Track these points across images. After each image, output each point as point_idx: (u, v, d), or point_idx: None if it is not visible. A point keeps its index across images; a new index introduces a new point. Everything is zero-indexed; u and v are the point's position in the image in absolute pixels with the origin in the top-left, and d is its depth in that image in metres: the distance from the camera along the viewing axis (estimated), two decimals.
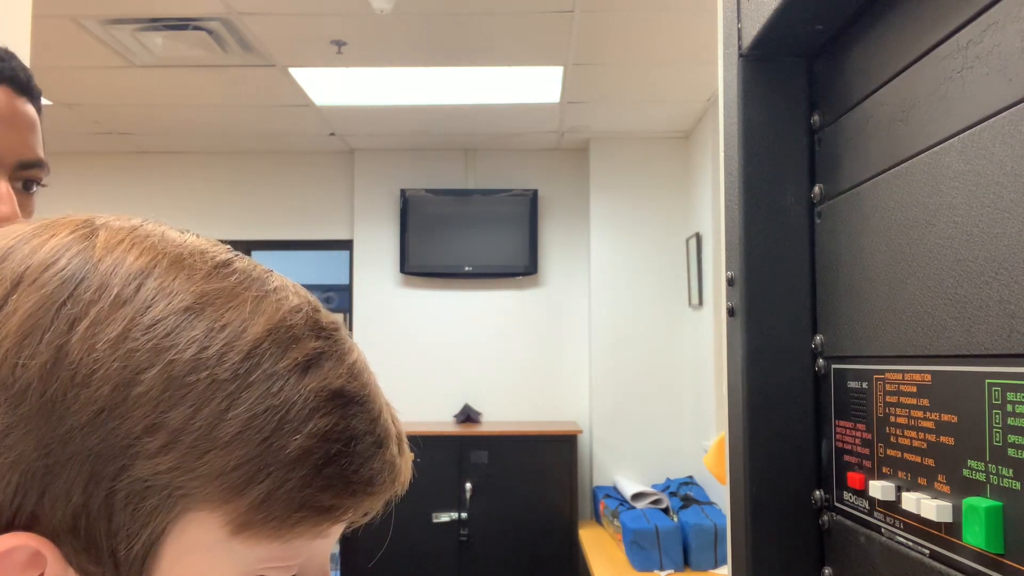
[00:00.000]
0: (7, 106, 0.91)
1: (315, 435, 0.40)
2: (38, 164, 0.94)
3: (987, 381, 0.55)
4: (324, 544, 0.43)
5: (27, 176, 0.93)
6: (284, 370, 0.40)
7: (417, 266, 5.16)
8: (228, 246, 0.45)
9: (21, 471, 0.37)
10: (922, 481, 0.63)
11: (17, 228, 0.42)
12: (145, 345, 0.38)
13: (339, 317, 0.50)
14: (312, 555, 0.43)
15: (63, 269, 0.39)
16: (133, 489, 0.38)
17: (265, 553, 0.40)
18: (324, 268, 6.59)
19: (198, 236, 0.45)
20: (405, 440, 0.47)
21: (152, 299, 0.39)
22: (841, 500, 0.77)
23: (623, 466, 4.91)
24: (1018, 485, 0.51)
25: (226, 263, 0.43)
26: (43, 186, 0.96)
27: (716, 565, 3.76)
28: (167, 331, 0.39)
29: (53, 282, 0.39)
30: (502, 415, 5.16)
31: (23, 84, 0.93)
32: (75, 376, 0.37)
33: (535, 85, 4.11)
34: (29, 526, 0.37)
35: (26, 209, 0.93)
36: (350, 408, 0.42)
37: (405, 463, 0.46)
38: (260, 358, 0.40)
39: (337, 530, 0.43)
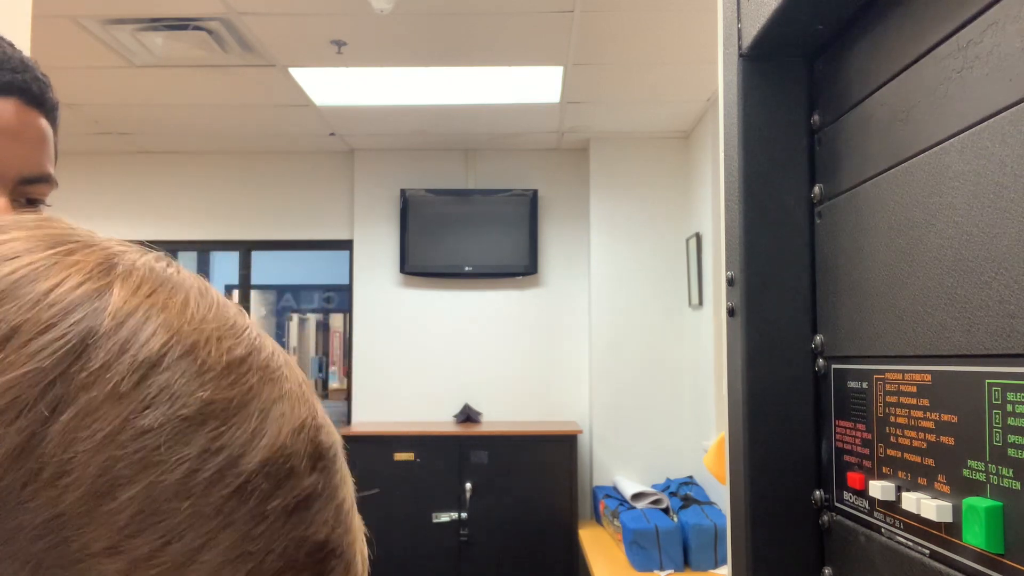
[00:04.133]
0: (14, 119, 0.88)
1: None
2: (43, 180, 0.91)
3: (987, 381, 0.55)
4: None
5: (31, 192, 0.90)
6: (271, 511, 0.35)
7: (417, 266, 5.16)
8: (250, 322, 0.39)
9: None
10: (922, 481, 0.63)
11: (18, 251, 0.36)
12: (132, 455, 0.33)
13: (339, 438, 0.48)
14: None
15: (62, 338, 0.33)
16: None
17: None
18: (324, 268, 6.60)
19: (223, 301, 0.39)
20: (364, 561, 0.42)
21: (152, 399, 0.34)
22: (841, 500, 0.77)
23: (623, 466, 4.91)
24: (1018, 485, 0.51)
25: (243, 360, 0.37)
26: (47, 205, 0.92)
27: (716, 565, 3.76)
28: (158, 443, 0.33)
29: (47, 351, 0.33)
30: (502, 415, 5.16)
31: (35, 96, 0.91)
32: (41, 472, 0.32)
33: (535, 85, 4.12)
34: None
35: None
36: (327, 564, 0.38)
37: None
38: (250, 495, 0.35)
39: None
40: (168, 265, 0.39)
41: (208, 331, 0.37)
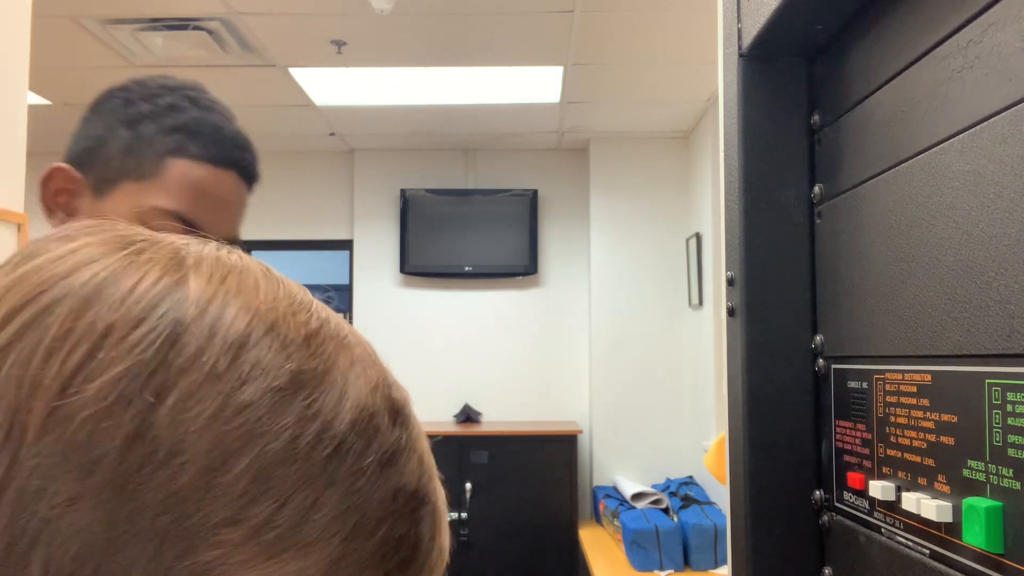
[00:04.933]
0: (231, 190, 1.02)
1: (388, 540, 0.39)
2: (236, 242, 1.02)
3: (987, 381, 0.55)
4: None
5: None
6: (367, 466, 0.38)
7: (417, 266, 5.16)
8: (310, 297, 0.42)
9: (82, 540, 0.34)
10: (922, 481, 0.63)
11: (93, 256, 0.38)
12: (237, 429, 0.35)
13: (407, 392, 0.52)
14: None
15: (154, 329, 0.36)
16: (193, 572, 0.35)
17: None
18: (324, 268, 6.60)
19: (281, 278, 0.42)
20: (445, 505, 0.45)
21: (247, 375, 0.36)
22: (841, 500, 0.77)
23: (623, 466, 4.91)
24: (1018, 485, 0.51)
25: (317, 331, 0.40)
26: None
27: (716, 565, 3.76)
28: (259, 415, 0.36)
29: (144, 343, 0.35)
30: (502, 415, 5.16)
31: (249, 174, 1.05)
32: (155, 453, 0.34)
33: (535, 85, 4.12)
34: None
35: None
36: (420, 510, 0.41)
37: (448, 539, 0.45)
38: (347, 453, 0.38)
39: None
40: (229, 252, 0.41)
41: (282, 308, 0.39)
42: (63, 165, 1.02)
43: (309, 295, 0.42)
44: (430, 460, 0.44)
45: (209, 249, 0.41)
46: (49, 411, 0.34)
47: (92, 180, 1.01)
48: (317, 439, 0.37)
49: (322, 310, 0.42)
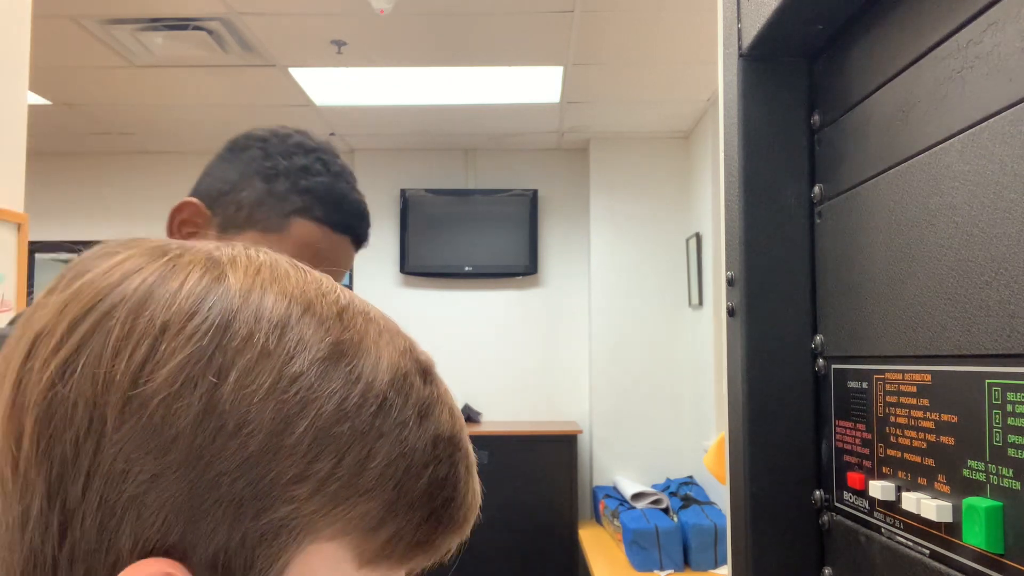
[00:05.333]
0: (344, 254, 1.10)
1: (433, 481, 0.44)
2: None
3: (987, 381, 0.55)
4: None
5: None
6: (408, 419, 0.43)
7: (417, 266, 5.16)
8: (334, 283, 0.47)
9: (167, 511, 0.38)
10: (922, 481, 0.63)
11: (138, 265, 0.42)
12: (294, 397, 0.40)
13: (431, 356, 0.60)
14: None
15: (206, 319, 0.40)
16: (270, 528, 0.39)
17: None
18: None
19: (300, 266, 0.46)
20: (472, 450, 0.50)
21: (293, 350, 0.41)
22: (841, 500, 0.77)
23: (623, 466, 4.91)
24: (1018, 485, 0.51)
25: (346, 308, 0.45)
26: None
27: (716, 565, 3.76)
28: (310, 383, 0.40)
29: (200, 332, 0.39)
30: (502, 415, 5.16)
31: (361, 241, 1.14)
32: (225, 426, 0.38)
33: (535, 85, 4.12)
34: (169, 555, 0.38)
35: None
36: (456, 454, 0.46)
37: (478, 483, 0.50)
38: (390, 407, 0.43)
39: (431, 560, 0.47)
40: (256, 250, 0.46)
41: (312, 292, 0.44)
42: (194, 200, 1.07)
43: (331, 280, 0.47)
44: (458, 412, 0.49)
45: (237, 250, 0.45)
46: (124, 401, 0.38)
47: (219, 221, 1.06)
48: (363, 399, 0.42)
49: (345, 292, 0.46)
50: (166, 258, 0.42)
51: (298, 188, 1.07)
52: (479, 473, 0.51)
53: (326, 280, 0.46)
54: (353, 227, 1.11)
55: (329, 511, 0.40)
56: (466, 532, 0.48)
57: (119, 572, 0.38)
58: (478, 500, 0.49)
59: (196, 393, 0.38)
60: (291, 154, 1.10)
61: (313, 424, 0.40)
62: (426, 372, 0.47)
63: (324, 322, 0.43)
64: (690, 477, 4.64)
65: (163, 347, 0.39)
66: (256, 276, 0.43)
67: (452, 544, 0.47)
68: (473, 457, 0.49)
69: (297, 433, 0.39)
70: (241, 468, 0.38)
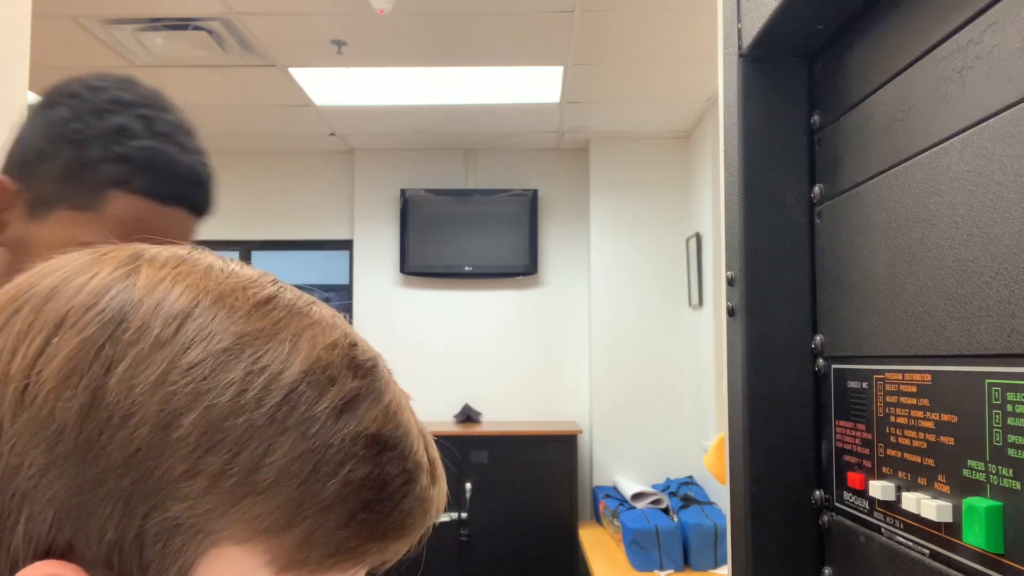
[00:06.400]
0: (176, 228, 0.93)
1: (350, 482, 0.41)
2: None
3: (987, 381, 0.55)
4: None
5: None
6: (321, 413, 0.40)
7: (417, 266, 5.16)
8: (275, 277, 0.45)
9: (56, 509, 0.37)
10: (922, 481, 0.63)
11: (69, 262, 0.42)
12: (184, 388, 0.38)
13: (377, 353, 0.53)
14: None
15: (103, 311, 0.39)
16: (164, 527, 0.38)
17: None
18: (324, 268, 6.59)
19: (244, 266, 0.44)
20: (439, 467, 0.47)
21: (191, 341, 0.39)
22: (841, 500, 0.77)
23: (623, 466, 4.91)
24: (1018, 485, 0.51)
25: (268, 299, 0.42)
26: None
27: (716, 565, 3.76)
28: (205, 374, 0.39)
29: (93, 324, 0.39)
30: (502, 415, 5.16)
31: (199, 208, 0.96)
32: (111, 418, 0.37)
33: (535, 85, 4.11)
34: (64, 556, 0.38)
35: None
36: (384, 455, 0.42)
37: (438, 493, 0.46)
38: (297, 401, 0.40)
39: (364, 569, 0.44)
40: (194, 251, 0.44)
41: (232, 284, 0.42)
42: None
43: (274, 278, 0.45)
44: (403, 414, 0.45)
45: (173, 250, 0.44)
46: (18, 396, 0.38)
47: (28, 196, 0.90)
48: (264, 391, 0.39)
49: (283, 288, 0.44)
50: (91, 255, 0.42)
51: (112, 155, 0.89)
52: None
53: (264, 278, 0.44)
54: (186, 196, 0.93)
55: (227, 510, 0.38)
56: (408, 539, 0.45)
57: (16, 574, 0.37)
58: (430, 507, 0.45)
59: (82, 384, 0.38)
60: (105, 112, 0.93)
61: (204, 417, 0.38)
62: (359, 367, 0.43)
63: (234, 313, 0.41)
64: (690, 477, 4.64)
65: (56, 340, 0.38)
66: (172, 270, 0.42)
67: (389, 553, 0.44)
68: (423, 461, 0.45)
69: (185, 426, 0.38)
70: (128, 462, 0.37)
